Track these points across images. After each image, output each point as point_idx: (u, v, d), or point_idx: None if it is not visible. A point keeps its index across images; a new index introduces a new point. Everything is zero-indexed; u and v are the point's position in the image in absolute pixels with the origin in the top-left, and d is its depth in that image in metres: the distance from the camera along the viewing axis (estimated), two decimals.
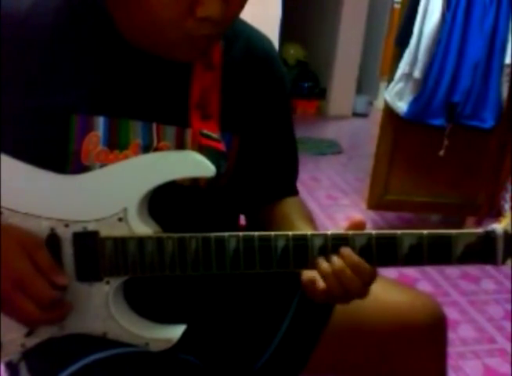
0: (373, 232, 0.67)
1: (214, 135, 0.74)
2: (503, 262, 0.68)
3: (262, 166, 0.87)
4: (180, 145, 0.73)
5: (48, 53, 0.69)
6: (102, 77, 0.71)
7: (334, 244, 0.67)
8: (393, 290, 0.89)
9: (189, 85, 0.74)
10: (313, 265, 0.68)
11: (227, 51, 0.77)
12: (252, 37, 0.82)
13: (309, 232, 0.68)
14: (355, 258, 0.67)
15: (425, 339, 0.86)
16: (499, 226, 0.67)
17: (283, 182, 0.90)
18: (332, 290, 0.67)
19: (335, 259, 0.67)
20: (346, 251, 0.67)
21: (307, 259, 0.68)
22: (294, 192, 0.91)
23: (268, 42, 0.85)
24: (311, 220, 0.85)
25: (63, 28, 0.70)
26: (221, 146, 0.75)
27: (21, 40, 0.69)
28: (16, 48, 0.69)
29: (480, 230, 0.68)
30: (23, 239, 0.66)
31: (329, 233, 0.68)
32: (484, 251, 0.68)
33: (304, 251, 0.68)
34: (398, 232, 0.67)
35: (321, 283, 0.67)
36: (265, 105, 0.82)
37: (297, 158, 0.92)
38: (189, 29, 0.64)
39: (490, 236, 0.67)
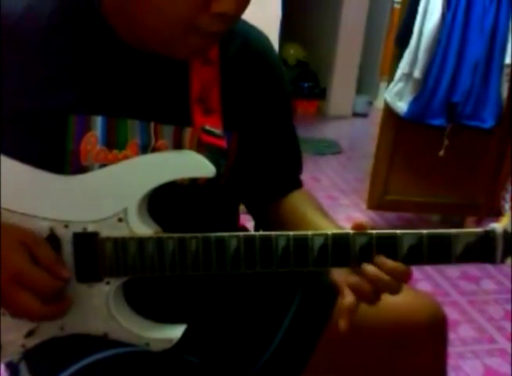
0: (374, 232, 0.67)
1: (217, 132, 0.74)
2: (502, 261, 0.68)
3: (265, 162, 0.87)
4: (178, 143, 0.73)
5: (43, 54, 0.69)
6: (99, 77, 0.71)
7: (335, 243, 0.67)
8: None
9: (187, 81, 0.74)
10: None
11: (224, 47, 0.77)
12: (249, 34, 0.82)
13: (310, 231, 0.68)
14: (390, 263, 0.66)
15: (425, 339, 0.86)
16: (498, 225, 0.68)
17: (287, 177, 0.90)
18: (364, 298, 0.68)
19: (369, 268, 0.66)
20: (380, 259, 0.67)
21: (307, 259, 0.68)
22: (299, 185, 0.91)
23: (265, 38, 0.85)
24: (320, 208, 0.85)
25: (58, 29, 0.70)
26: (223, 143, 0.74)
27: (17, 41, 0.69)
28: (11, 50, 0.69)
29: (479, 229, 0.68)
30: (22, 235, 0.66)
31: (329, 232, 0.68)
32: (483, 251, 0.68)
33: (304, 250, 0.68)
34: (398, 232, 0.67)
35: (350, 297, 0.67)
36: (264, 100, 0.82)
37: (299, 152, 0.92)
38: (200, 25, 0.63)
39: (489, 235, 0.67)
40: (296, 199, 0.88)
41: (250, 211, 0.93)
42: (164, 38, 0.67)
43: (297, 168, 0.92)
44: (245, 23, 0.82)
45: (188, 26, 0.64)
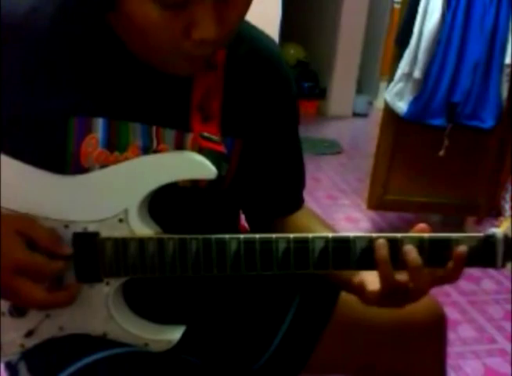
0: (374, 235, 0.67)
1: (215, 138, 0.74)
2: (503, 266, 0.68)
3: (268, 178, 0.85)
4: (180, 148, 0.73)
5: (46, 56, 0.69)
6: (100, 80, 0.71)
7: (335, 246, 0.67)
8: None
9: (190, 87, 0.74)
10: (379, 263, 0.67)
11: (231, 52, 0.76)
12: (256, 39, 0.80)
13: (310, 234, 0.68)
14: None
15: (425, 339, 0.86)
16: (499, 230, 0.68)
17: (289, 196, 0.89)
18: (393, 289, 0.68)
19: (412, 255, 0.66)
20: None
21: (308, 262, 0.68)
22: (300, 205, 0.90)
23: (273, 44, 0.83)
24: (331, 227, 0.85)
25: (60, 31, 0.70)
26: (222, 148, 0.74)
27: (19, 43, 0.69)
28: (14, 52, 0.69)
29: (480, 234, 0.68)
30: (16, 222, 0.66)
31: (330, 235, 0.68)
32: (484, 255, 0.68)
33: (305, 253, 0.67)
34: (399, 235, 0.67)
35: (376, 284, 0.68)
36: (270, 108, 0.81)
37: (303, 169, 0.90)
38: (187, 50, 0.63)
39: (490, 239, 0.67)
40: (304, 217, 0.87)
41: (250, 225, 0.92)
42: (161, 60, 0.68)
43: (300, 186, 0.90)
44: (254, 28, 0.81)
45: (177, 51, 0.64)
